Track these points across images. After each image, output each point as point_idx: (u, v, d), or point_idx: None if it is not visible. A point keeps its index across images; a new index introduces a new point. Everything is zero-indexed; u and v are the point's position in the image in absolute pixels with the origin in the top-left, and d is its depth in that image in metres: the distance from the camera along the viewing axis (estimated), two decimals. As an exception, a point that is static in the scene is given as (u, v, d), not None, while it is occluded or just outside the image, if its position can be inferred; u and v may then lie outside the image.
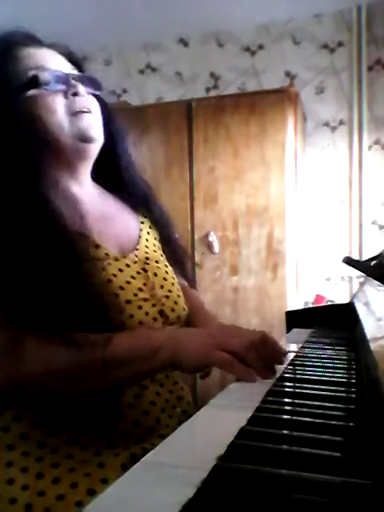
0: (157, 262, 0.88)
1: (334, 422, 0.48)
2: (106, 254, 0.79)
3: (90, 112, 0.81)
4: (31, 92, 0.78)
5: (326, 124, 2.90)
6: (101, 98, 0.87)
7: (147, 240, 0.90)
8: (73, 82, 0.81)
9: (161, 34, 3.11)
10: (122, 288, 0.77)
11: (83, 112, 0.80)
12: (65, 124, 0.79)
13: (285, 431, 0.45)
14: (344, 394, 0.60)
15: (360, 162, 2.84)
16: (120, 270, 0.79)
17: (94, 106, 0.83)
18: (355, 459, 0.39)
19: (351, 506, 0.31)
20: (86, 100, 0.82)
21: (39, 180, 0.74)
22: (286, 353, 0.72)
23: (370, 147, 2.84)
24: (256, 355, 0.65)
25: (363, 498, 0.32)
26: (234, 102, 2.54)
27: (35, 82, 0.78)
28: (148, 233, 0.92)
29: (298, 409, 0.53)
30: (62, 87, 0.80)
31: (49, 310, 0.66)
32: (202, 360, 0.66)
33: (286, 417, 0.50)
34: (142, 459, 0.40)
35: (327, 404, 0.54)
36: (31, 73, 0.78)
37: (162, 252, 0.93)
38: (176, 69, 3.19)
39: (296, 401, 0.56)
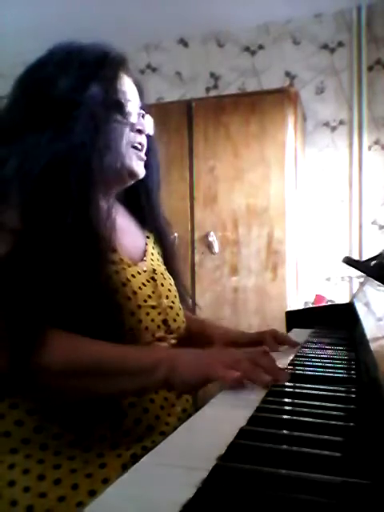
0: (162, 273, 0.92)
1: (333, 422, 0.48)
2: (121, 260, 0.82)
3: (143, 150, 0.87)
4: (111, 114, 0.81)
5: (326, 124, 2.90)
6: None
7: (152, 254, 0.95)
8: (141, 120, 0.86)
9: (161, 34, 3.11)
10: (134, 292, 0.81)
11: (139, 149, 0.86)
12: (123, 155, 0.83)
13: (285, 431, 0.45)
14: (344, 394, 0.60)
15: (360, 162, 2.84)
16: (133, 276, 0.83)
17: (145, 144, 0.88)
18: (355, 459, 0.39)
19: (351, 506, 0.31)
20: (144, 138, 0.87)
21: (89, 191, 0.76)
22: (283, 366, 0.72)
23: (369, 147, 2.83)
24: (248, 364, 0.65)
25: (363, 498, 0.32)
26: (234, 101, 2.54)
27: (120, 108, 0.82)
28: (153, 247, 0.97)
29: (297, 409, 0.53)
30: (134, 121, 0.85)
31: (70, 307, 0.68)
32: (196, 377, 0.66)
33: (286, 417, 0.51)
34: (142, 459, 0.40)
35: (327, 404, 0.54)
36: (119, 98, 0.83)
37: (164, 266, 0.97)
38: (176, 69, 3.19)
39: (296, 401, 0.57)
